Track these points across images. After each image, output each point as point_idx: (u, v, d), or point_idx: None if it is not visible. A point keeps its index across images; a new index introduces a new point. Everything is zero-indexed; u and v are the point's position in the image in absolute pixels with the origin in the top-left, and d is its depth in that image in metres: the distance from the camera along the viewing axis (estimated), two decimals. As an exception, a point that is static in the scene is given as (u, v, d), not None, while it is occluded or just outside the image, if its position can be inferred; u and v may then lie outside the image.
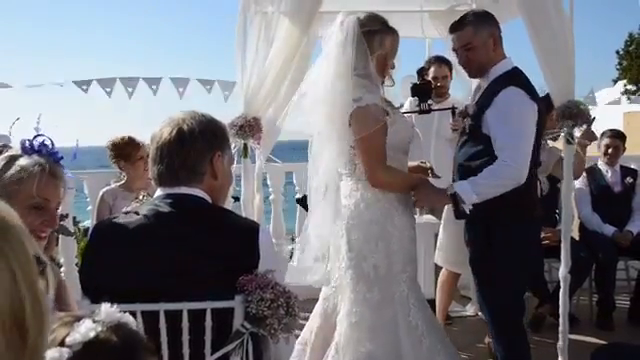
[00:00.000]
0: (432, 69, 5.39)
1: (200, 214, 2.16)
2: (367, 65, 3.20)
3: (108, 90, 7.07)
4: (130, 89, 7.19)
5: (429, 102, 4.73)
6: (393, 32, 3.30)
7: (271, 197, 5.99)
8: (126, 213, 2.28)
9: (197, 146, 2.15)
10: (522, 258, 3.44)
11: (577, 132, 4.08)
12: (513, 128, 3.24)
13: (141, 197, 4.30)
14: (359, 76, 3.21)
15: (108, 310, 1.27)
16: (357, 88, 3.18)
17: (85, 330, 1.20)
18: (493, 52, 3.41)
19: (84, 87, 6.96)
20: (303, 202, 4.11)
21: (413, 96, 4.87)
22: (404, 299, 3.29)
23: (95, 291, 2.07)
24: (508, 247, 3.35)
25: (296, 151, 6.45)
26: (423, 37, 6.18)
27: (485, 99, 3.36)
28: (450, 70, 5.35)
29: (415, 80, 5.25)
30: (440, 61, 5.35)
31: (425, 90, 4.76)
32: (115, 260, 2.10)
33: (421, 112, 4.74)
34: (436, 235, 4.74)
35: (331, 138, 3.28)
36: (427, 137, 5.27)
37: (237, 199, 4.53)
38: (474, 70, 3.50)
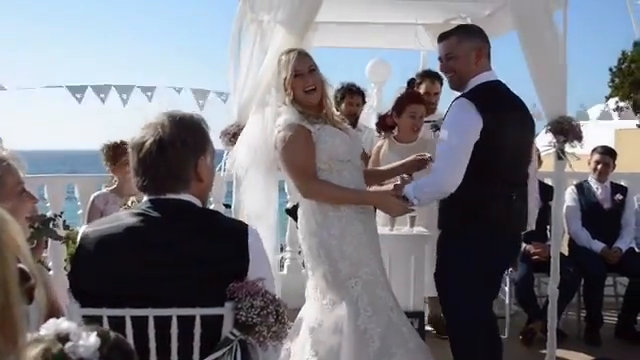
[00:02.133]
0: (424, 85, 5.34)
1: (188, 218, 2.15)
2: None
3: (102, 96, 7.08)
4: (125, 95, 7.21)
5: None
6: (286, 53, 3.51)
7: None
8: (115, 216, 2.27)
9: (180, 156, 2.11)
10: (474, 270, 3.34)
11: (568, 147, 4.11)
12: (448, 138, 3.30)
13: (129, 203, 4.28)
14: (284, 104, 3.48)
15: (57, 321, 1.24)
16: (282, 113, 3.46)
17: (87, 339, 1.19)
18: (474, 65, 3.41)
19: (78, 95, 6.95)
20: (293, 212, 4.12)
21: None
22: (353, 304, 3.39)
23: (84, 296, 2.06)
24: (460, 255, 3.37)
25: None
26: (418, 49, 6.22)
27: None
28: (441, 85, 5.33)
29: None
30: (432, 77, 5.30)
31: None
32: (104, 265, 2.08)
33: None
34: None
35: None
36: None
37: (228, 206, 4.52)
38: (455, 81, 3.53)
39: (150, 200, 2.16)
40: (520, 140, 3.41)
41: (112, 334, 1.29)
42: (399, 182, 3.56)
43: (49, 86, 7.53)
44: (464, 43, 3.43)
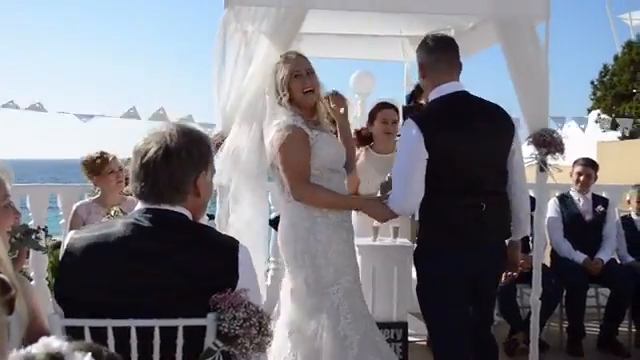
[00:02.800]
0: (425, 94, 5.29)
1: (180, 230, 2.14)
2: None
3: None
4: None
5: None
6: (285, 55, 3.62)
7: (246, 215, 5.96)
8: (104, 224, 2.26)
9: (183, 166, 2.13)
10: (445, 280, 3.32)
11: (550, 160, 4.15)
12: (396, 160, 3.36)
13: (112, 213, 4.27)
14: (280, 105, 3.54)
15: (48, 341, 1.18)
16: (279, 115, 3.52)
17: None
18: (422, 79, 3.47)
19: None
20: (276, 223, 4.11)
21: (405, 119, 4.88)
22: (334, 310, 3.44)
23: (68, 303, 2.05)
24: (432, 265, 3.38)
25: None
26: (402, 61, 6.25)
27: None
28: None
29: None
30: None
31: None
32: (90, 272, 2.06)
33: None
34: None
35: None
36: None
37: (212, 217, 4.50)
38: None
39: (144, 209, 2.15)
40: (483, 150, 3.31)
41: (105, 352, 1.24)
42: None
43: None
44: (417, 59, 3.50)
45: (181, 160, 2.11)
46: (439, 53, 3.41)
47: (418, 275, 3.50)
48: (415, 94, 5.37)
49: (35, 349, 1.14)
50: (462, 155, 3.26)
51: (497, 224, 3.42)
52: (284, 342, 3.48)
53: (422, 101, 5.23)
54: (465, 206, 3.28)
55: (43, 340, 1.16)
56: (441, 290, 3.34)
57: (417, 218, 3.54)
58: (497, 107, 3.47)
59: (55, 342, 1.15)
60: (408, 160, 3.27)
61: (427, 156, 3.20)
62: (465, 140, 3.27)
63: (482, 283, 3.47)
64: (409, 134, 3.25)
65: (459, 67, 3.46)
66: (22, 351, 1.14)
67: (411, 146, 3.24)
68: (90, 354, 1.15)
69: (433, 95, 3.40)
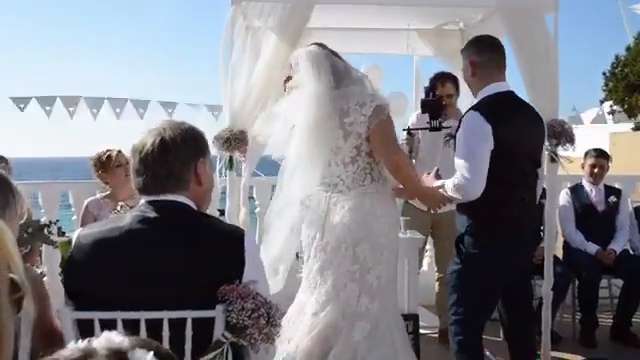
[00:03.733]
0: (438, 89, 5.06)
1: (185, 221, 2.16)
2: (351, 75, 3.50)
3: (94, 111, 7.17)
4: (118, 110, 7.28)
5: (439, 119, 4.70)
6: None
7: (257, 210, 5.98)
8: (111, 219, 2.28)
9: (181, 154, 2.16)
10: (485, 272, 3.48)
11: (561, 150, 4.14)
12: (464, 148, 3.43)
13: (119, 208, 4.28)
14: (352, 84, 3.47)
15: (110, 335, 1.13)
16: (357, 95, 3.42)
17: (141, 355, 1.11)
18: (471, 77, 3.61)
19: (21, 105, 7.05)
20: None
21: (423, 112, 4.83)
22: (394, 307, 3.53)
23: (78, 298, 2.07)
24: (470, 257, 3.51)
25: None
26: (409, 54, 6.23)
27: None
28: (456, 87, 5.05)
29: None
30: (443, 79, 5.06)
31: (436, 106, 4.73)
32: (99, 266, 2.09)
33: (432, 129, 4.70)
34: (420, 250, 4.76)
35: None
36: (432, 153, 4.98)
37: (222, 212, 4.52)
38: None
39: (148, 202, 2.17)
40: (529, 146, 3.56)
41: (163, 350, 1.20)
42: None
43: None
44: (463, 58, 3.63)
45: (178, 148, 2.14)
46: (491, 53, 3.57)
47: (463, 258, 3.56)
48: (434, 87, 5.25)
49: (96, 343, 1.10)
50: (517, 149, 3.46)
51: (532, 215, 3.68)
52: (352, 346, 3.36)
53: (438, 92, 5.09)
54: (515, 198, 3.48)
55: (105, 334, 1.14)
56: (485, 276, 3.48)
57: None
58: (533, 108, 3.69)
59: (116, 337, 1.12)
60: (478, 147, 3.38)
61: (492, 147, 3.36)
62: (518, 136, 3.46)
63: (520, 271, 3.66)
64: (476, 124, 3.38)
65: (505, 67, 3.62)
66: (81, 344, 1.12)
67: (480, 135, 3.37)
68: (152, 353, 1.12)
69: (484, 92, 3.54)
